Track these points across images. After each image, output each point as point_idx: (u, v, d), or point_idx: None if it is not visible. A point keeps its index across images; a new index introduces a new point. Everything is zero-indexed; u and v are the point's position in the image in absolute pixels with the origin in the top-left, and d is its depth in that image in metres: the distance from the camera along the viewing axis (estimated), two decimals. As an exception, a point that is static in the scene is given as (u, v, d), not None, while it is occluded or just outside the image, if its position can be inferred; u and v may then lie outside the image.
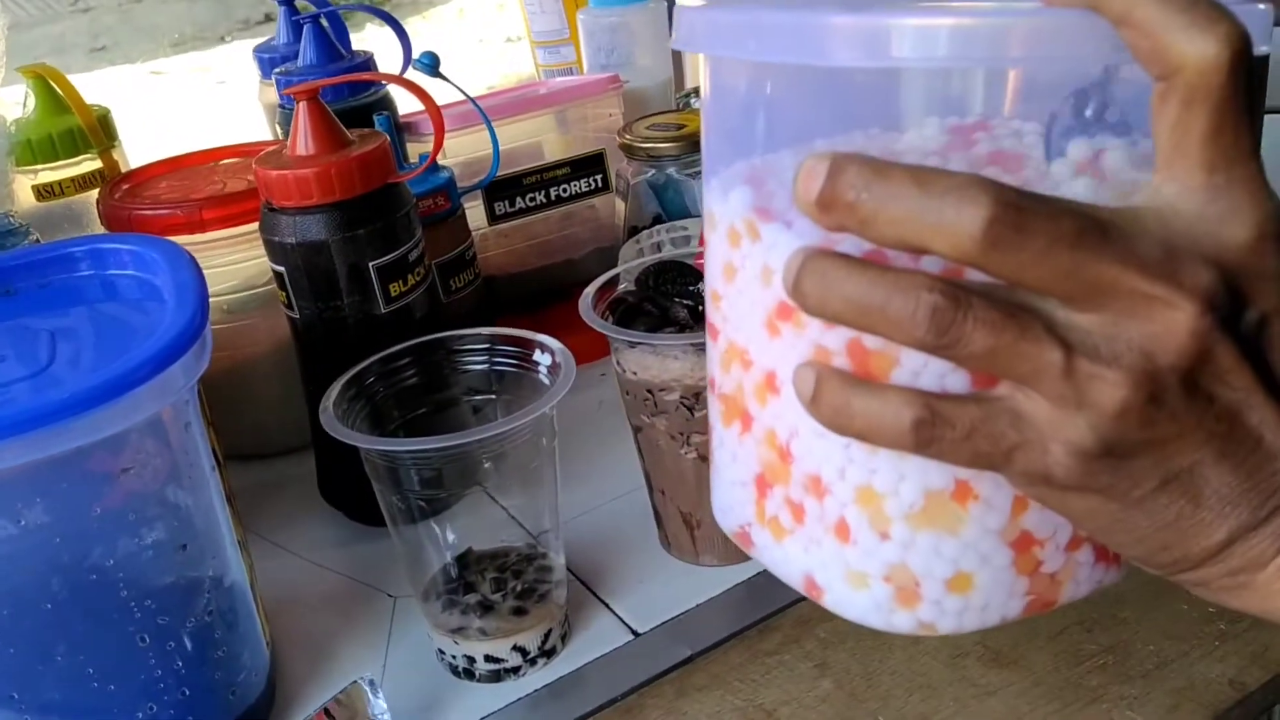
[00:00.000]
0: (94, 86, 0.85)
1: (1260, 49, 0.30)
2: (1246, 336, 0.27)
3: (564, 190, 0.84)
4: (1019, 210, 0.26)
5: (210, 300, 0.70)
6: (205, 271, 0.70)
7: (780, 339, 0.33)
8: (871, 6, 0.29)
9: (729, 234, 0.35)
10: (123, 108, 0.88)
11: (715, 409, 0.38)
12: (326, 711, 0.48)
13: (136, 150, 0.86)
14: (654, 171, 0.77)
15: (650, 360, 0.54)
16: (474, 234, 0.79)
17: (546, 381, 0.53)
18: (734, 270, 0.35)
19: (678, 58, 1.01)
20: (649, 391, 0.54)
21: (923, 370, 0.30)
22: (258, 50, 0.91)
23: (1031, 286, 0.27)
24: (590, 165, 0.84)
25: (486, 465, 0.51)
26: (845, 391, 0.29)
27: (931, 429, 0.28)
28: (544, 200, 0.83)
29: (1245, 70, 0.26)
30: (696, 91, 0.97)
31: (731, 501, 0.38)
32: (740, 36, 0.32)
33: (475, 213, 0.81)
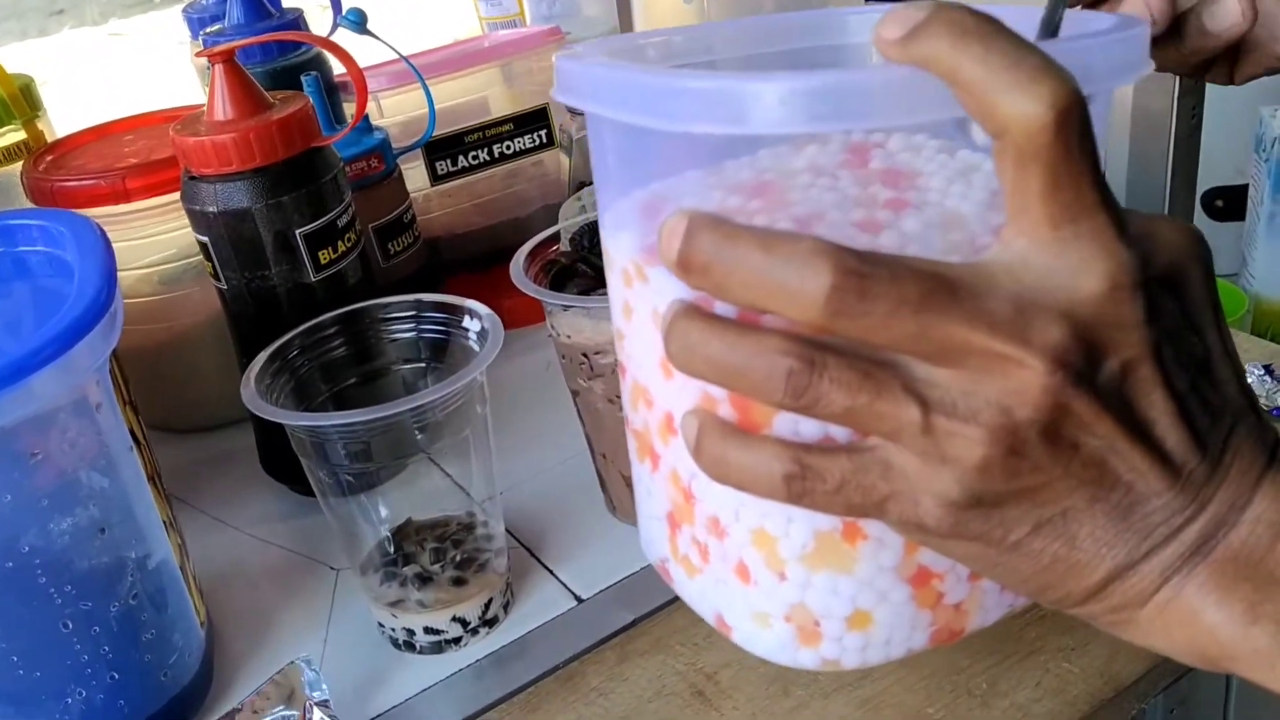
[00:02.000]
0: (53, 50, 0.82)
1: (1141, 71, 0.30)
2: (1108, 385, 0.27)
3: (507, 147, 0.82)
4: (860, 276, 0.26)
5: (141, 272, 0.70)
6: (135, 242, 0.68)
7: (673, 381, 0.33)
8: (726, 73, 0.30)
9: (622, 274, 0.35)
10: (82, 71, 0.86)
11: (631, 444, 0.39)
12: (262, 694, 0.47)
13: (94, 118, 0.83)
14: (597, 125, 0.76)
15: (584, 323, 0.53)
16: (416, 195, 0.78)
17: (476, 348, 0.52)
18: (630, 309, 0.35)
19: (625, 7, 0.99)
20: (584, 355, 0.53)
21: (802, 419, 0.30)
22: (186, 10, 0.88)
23: (884, 347, 0.27)
24: (534, 120, 0.82)
25: (419, 436, 0.50)
26: (723, 443, 0.30)
27: (802, 482, 0.29)
28: (487, 158, 0.81)
29: (1079, 125, 0.26)
30: (645, 41, 0.95)
31: (651, 536, 0.39)
32: (607, 95, 0.32)
33: (417, 173, 0.80)
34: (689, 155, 0.35)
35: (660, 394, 0.34)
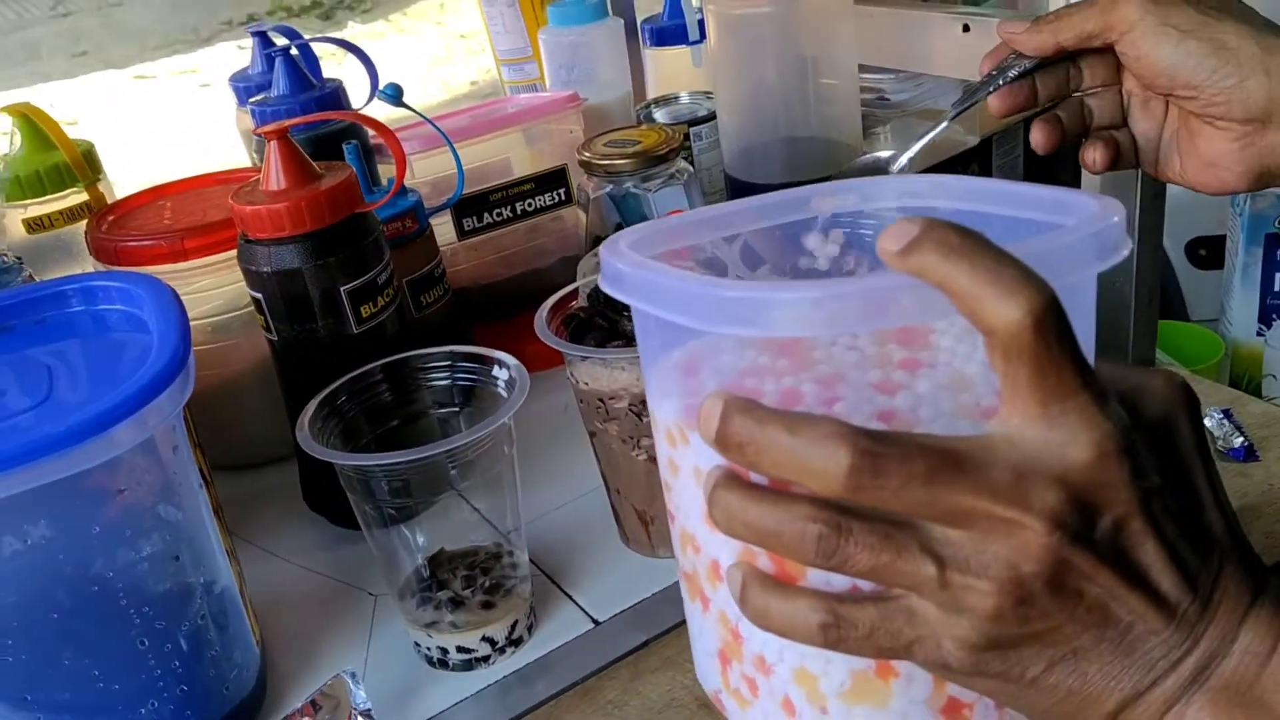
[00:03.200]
0: (77, 93, 0.88)
1: (1120, 256, 0.34)
2: (1104, 540, 0.31)
3: (529, 205, 0.88)
4: (874, 456, 0.30)
5: (196, 322, 0.76)
6: (190, 295, 0.75)
7: (717, 534, 0.35)
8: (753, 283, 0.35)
9: (667, 435, 0.39)
10: (108, 113, 0.92)
11: (683, 585, 0.43)
12: (313, 703, 0.53)
13: (126, 159, 0.90)
14: (613, 186, 0.82)
15: (600, 371, 0.59)
16: (444, 249, 0.84)
17: (504, 394, 0.58)
18: (676, 467, 0.39)
19: (638, 70, 1.06)
20: (600, 400, 0.59)
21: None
22: (233, 79, 0.95)
23: (901, 514, 0.31)
24: (553, 180, 0.89)
25: (453, 473, 0.56)
26: (764, 596, 0.34)
27: (837, 630, 0.32)
28: (510, 215, 0.88)
29: (1055, 323, 0.30)
30: (657, 102, 1.01)
31: (705, 670, 0.43)
32: (646, 294, 0.37)
33: (446, 229, 0.86)
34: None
35: (706, 543, 0.38)
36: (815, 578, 0.34)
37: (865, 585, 0.33)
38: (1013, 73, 0.57)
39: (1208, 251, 1.18)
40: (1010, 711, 0.37)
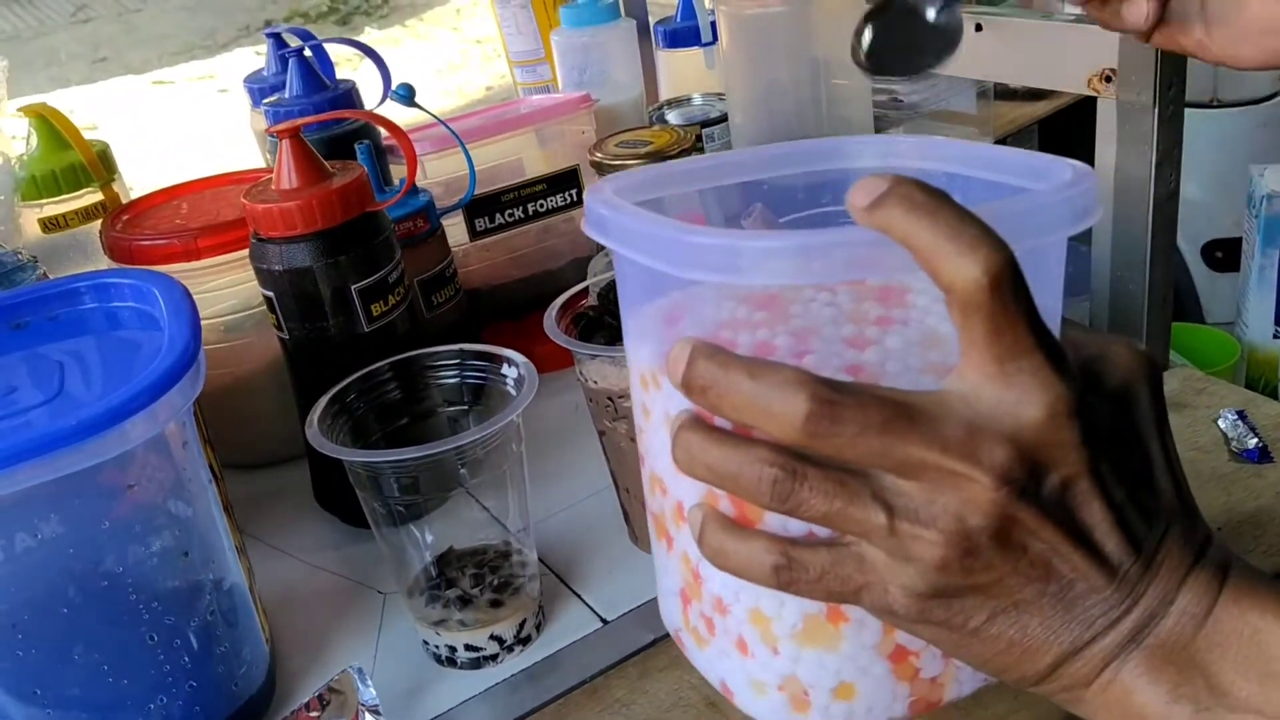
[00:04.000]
0: (96, 98, 0.89)
1: (1090, 220, 0.35)
2: (1050, 498, 0.31)
3: (541, 205, 0.88)
4: (831, 404, 0.31)
5: (208, 321, 0.76)
6: (202, 294, 0.75)
7: (683, 477, 0.36)
8: (727, 231, 0.35)
9: (640, 379, 0.40)
10: (126, 118, 0.93)
11: (650, 525, 0.43)
12: (320, 698, 0.53)
13: (144, 163, 0.91)
14: (623, 186, 0.82)
15: (609, 370, 0.59)
16: (456, 249, 0.84)
17: (513, 392, 0.58)
18: (648, 410, 0.40)
19: (650, 72, 1.06)
20: (609, 399, 0.59)
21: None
22: (248, 80, 0.95)
23: (853, 463, 0.32)
24: (566, 181, 0.89)
25: (461, 471, 0.56)
26: (721, 536, 0.35)
27: (789, 572, 0.33)
28: (522, 215, 0.88)
29: (1011, 282, 0.30)
30: (669, 104, 1.01)
31: (668, 608, 0.44)
32: (630, 240, 0.37)
33: (458, 229, 0.86)
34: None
35: (673, 485, 0.39)
36: (772, 522, 0.35)
37: (821, 532, 0.34)
38: None
39: (1224, 254, 1.17)
40: (956, 660, 0.38)
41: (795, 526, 0.34)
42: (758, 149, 0.46)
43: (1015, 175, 0.40)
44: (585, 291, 0.65)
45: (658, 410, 0.39)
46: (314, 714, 0.51)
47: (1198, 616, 0.33)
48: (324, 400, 0.57)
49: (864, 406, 0.31)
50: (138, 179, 0.90)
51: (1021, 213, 0.34)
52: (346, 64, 0.99)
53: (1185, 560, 0.33)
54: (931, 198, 0.31)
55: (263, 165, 0.95)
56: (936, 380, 0.33)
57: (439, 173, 0.86)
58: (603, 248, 0.86)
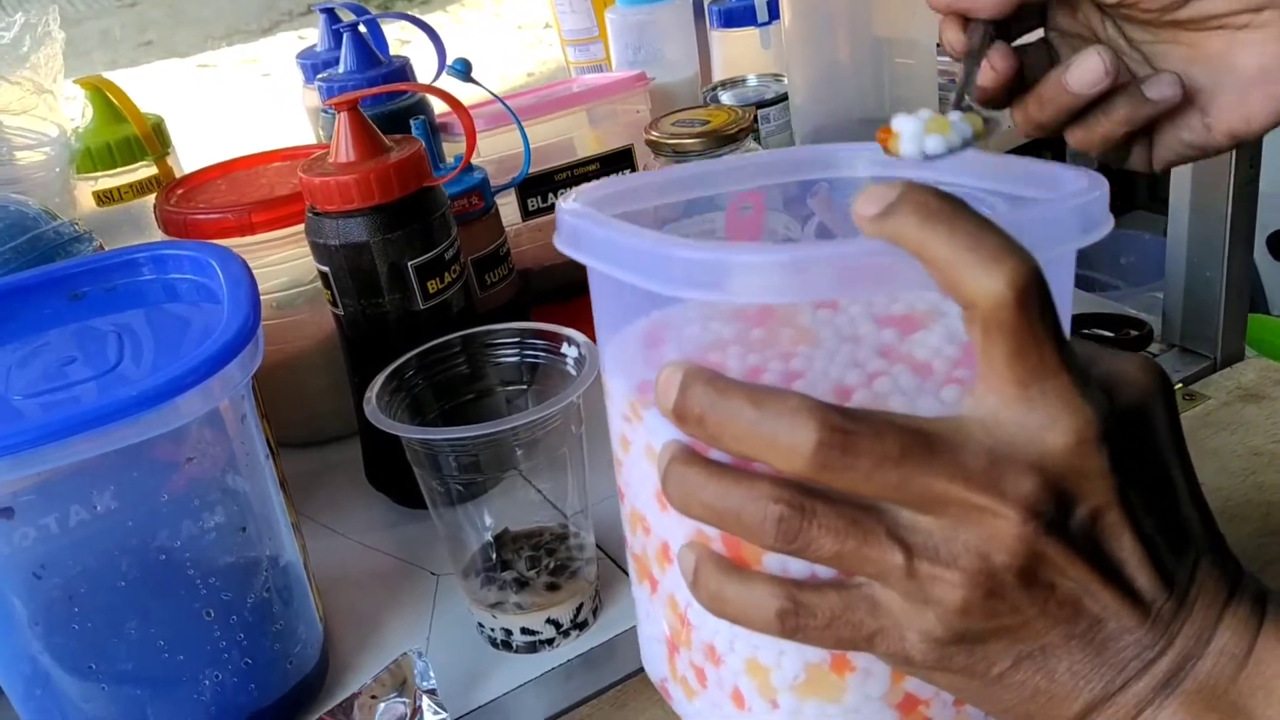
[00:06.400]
0: (142, 81, 0.88)
1: (1103, 230, 0.32)
2: (1079, 531, 0.29)
3: (594, 185, 0.87)
4: (844, 434, 0.28)
5: (263, 298, 0.75)
6: (255, 270, 0.74)
7: (669, 513, 0.34)
8: (715, 244, 0.32)
9: (619, 411, 0.38)
10: (172, 102, 0.93)
11: (631, 566, 0.41)
12: (379, 681, 0.52)
13: (190, 144, 0.90)
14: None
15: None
16: (508, 229, 0.83)
17: (573, 372, 0.57)
18: (628, 443, 0.37)
19: (704, 52, 1.04)
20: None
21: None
22: (300, 56, 0.95)
23: (869, 498, 0.29)
24: (619, 160, 0.88)
25: (519, 451, 0.54)
26: (719, 579, 0.32)
27: (795, 618, 0.30)
28: (575, 195, 0.86)
29: (1038, 297, 0.28)
30: (724, 84, 0.99)
31: (651, 655, 0.41)
32: (607, 255, 0.34)
33: (510, 209, 0.85)
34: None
35: (657, 523, 0.36)
36: (772, 563, 0.32)
37: (824, 572, 0.31)
38: (977, 37, 0.44)
39: (1291, 245, 1.14)
40: (969, 708, 0.35)
41: (797, 567, 0.31)
42: (744, 156, 0.44)
43: (1020, 185, 0.37)
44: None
45: (639, 443, 0.36)
46: (373, 699, 0.50)
47: (1238, 656, 0.30)
48: (382, 377, 0.56)
49: (880, 436, 0.28)
50: (185, 161, 0.90)
51: (1033, 222, 0.31)
52: (396, 37, 0.98)
53: (1220, 595, 0.31)
54: (946, 205, 0.28)
55: (314, 143, 0.95)
56: (934, 399, 0.31)
57: (490, 151, 0.85)
58: (660, 226, 0.84)
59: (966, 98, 0.42)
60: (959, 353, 0.34)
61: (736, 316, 0.37)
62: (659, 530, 0.36)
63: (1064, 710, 0.31)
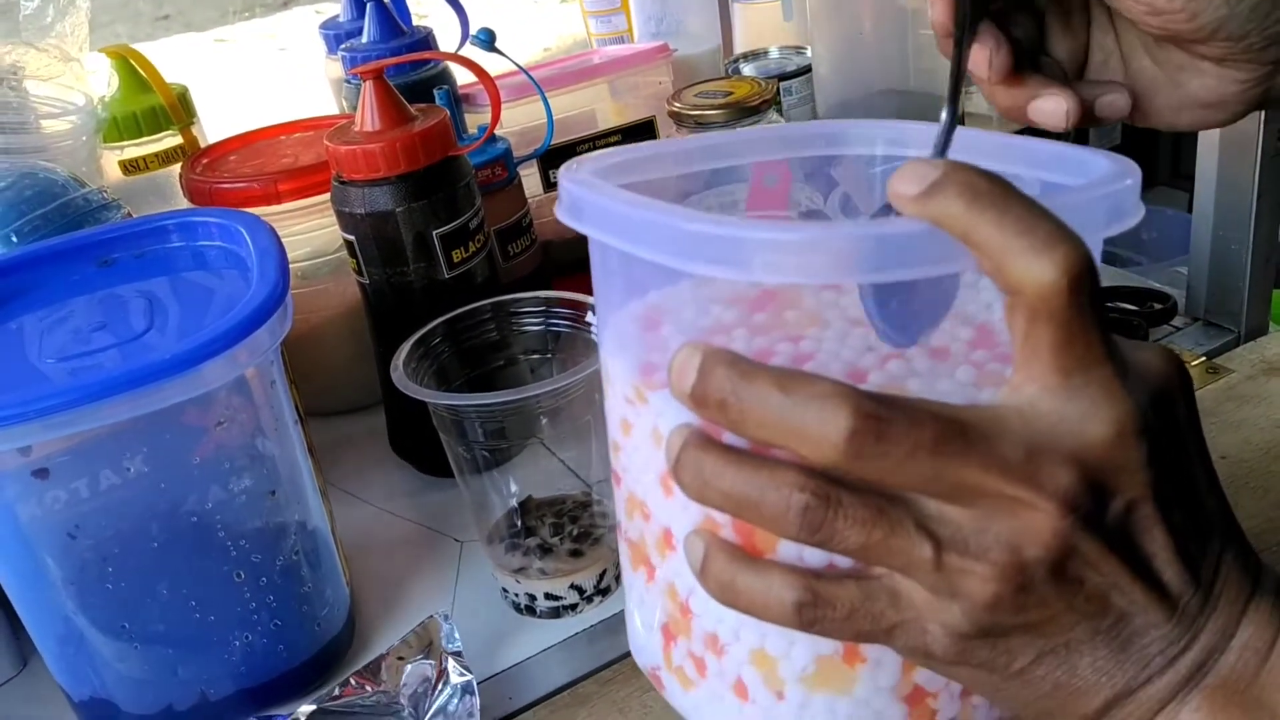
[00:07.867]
0: (160, 55, 0.88)
1: (1135, 218, 0.31)
2: (1113, 524, 0.28)
3: (616, 157, 0.87)
4: (878, 420, 0.27)
5: (287, 267, 0.76)
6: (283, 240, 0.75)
7: (674, 499, 0.33)
8: (730, 218, 0.29)
9: (620, 394, 0.36)
10: (190, 76, 0.93)
11: (624, 552, 0.40)
12: (406, 643, 0.53)
13: (209, 117, 0.90)
14: (702, 138, 0.80)
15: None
16: (530, 200, 0.83)
17: (597, 341, 0.57)
18: (629, 426, 0.36)
19: (727, 24, 1.04)
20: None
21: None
22: (323, 26, 0.95)
23: (899, 488, 0.28)
24: (641, 132, 0.87)
25: (543, 419, 0.55)
26: (731, 568, 0.30)
27: (814, 610, 0.29)
28: (597, 167, 0.86)
29: (1090, 285, 0.27)
30: (745, 57, 0.99)
31: (643, 643, 0.40)
32: (607, 224, 0.32)
33: (532, 180, 0.85)
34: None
35: (659, 509, 0.35)
36: (787, 551, 0.31)
37: (842, 562, 0.30)
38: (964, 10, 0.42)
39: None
40: (976, 699, 0.34)
41: (812, 556, 0.30)
42: (753, 129, 0.43)
43: (1045, 168, 0.36)
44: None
45: (642, 426, 0.35)
46: (400, 660, 0.51)
47: (1261, 651, 0.29)
48: (408, 344, 0.57)
49: (915, 424, 0.27)
50: (206, 134, 0.90)
51: (1058, 210, 0.29)
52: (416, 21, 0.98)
53: (1244, 589, 0.30)
54: (995, 186, 0.27)
55: (337, 113, 0.95)
56: (955, 385, 0.30)
57: (512, 123, 0.85)
58: (683, 199, 0.84)
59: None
60: (974, 334, 0.33)
61: (737, 299, 0.35)
62: (661, 516, 0.35)
63: (1084, 706, 0.30)
